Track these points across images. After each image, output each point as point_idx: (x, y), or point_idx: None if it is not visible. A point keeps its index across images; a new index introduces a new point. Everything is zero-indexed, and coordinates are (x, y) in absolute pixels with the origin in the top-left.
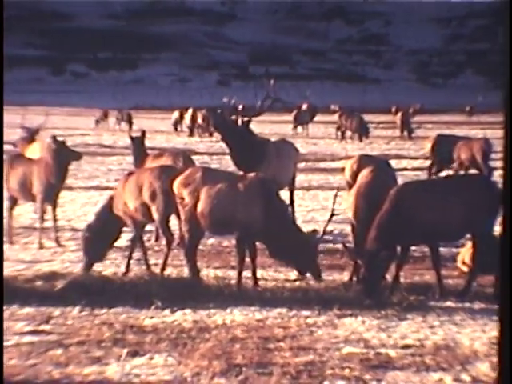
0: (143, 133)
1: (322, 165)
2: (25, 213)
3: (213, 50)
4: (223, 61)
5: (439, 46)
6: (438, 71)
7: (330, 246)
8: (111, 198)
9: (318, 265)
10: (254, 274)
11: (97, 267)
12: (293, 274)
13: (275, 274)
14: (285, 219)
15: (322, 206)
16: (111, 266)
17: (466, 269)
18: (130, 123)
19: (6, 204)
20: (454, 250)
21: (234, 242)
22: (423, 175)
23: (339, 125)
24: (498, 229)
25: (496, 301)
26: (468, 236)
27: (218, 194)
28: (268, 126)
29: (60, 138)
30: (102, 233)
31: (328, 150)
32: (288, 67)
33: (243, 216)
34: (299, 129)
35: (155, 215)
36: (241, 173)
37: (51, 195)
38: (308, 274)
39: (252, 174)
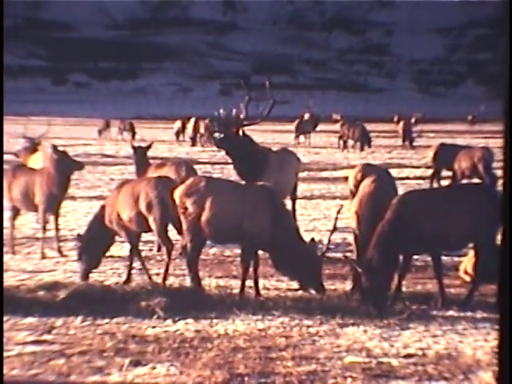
0: (150, 144)
1: (324, 174)
2: (27, 223)
3: (214, 60)
4: (225, 70)
5: (441, 56)
6: (439, 81)
7: (332, 255)
8: (103, 208)
9: (321, 280)
10: (256, 283)
11: (99, 277)
12: (295, 284)
13: (277, 284)
14: (291, 229)
15: (324, 215)
16: (113, 275)
17: (468, 278)
18: (133, 133)
19: (8, 214)
20: (456, 259)
21: (236, 251)
22: (425, 184)
23: (341, 134)
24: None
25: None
26: (470, 245)
27: (224, 203)
28: (270, 136)
29: (62, 148)
30: (94, 241)
31: (330, 160)
32: (290, 77)
33: (250, 226)
34: (301, 138)
35: (153, 225)
36: (243, 182)
37: (53, 205)
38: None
39: (259, 184)
